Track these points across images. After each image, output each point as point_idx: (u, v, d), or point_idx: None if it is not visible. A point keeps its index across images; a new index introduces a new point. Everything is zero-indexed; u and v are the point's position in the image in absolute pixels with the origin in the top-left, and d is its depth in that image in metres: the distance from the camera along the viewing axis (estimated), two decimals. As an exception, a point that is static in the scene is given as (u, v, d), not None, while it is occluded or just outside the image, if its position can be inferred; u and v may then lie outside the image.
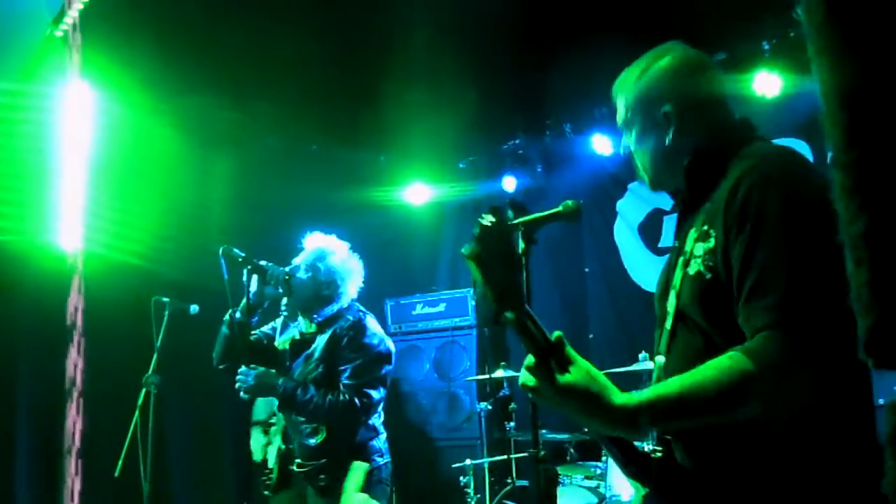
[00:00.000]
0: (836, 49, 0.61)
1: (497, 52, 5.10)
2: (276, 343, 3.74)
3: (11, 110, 4.41)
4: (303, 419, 3.49)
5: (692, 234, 1.59)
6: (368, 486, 3.30)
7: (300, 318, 3.67)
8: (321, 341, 3.53)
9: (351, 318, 3.54)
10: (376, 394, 3.45)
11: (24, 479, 4.88)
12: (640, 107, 1.77)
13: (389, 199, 6.73)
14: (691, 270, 1.55)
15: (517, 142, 6.51)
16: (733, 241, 1.45)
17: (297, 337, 3.65)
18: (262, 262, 3.46)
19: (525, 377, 1.44)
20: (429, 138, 6.06)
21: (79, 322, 3.87)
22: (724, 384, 1.36)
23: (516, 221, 2.44)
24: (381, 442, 3.51)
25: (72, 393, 4.25)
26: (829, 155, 0.63)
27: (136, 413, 4.11)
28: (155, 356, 4.17)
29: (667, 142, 1.70)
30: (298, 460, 3.56)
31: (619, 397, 1.40)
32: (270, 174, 5.97)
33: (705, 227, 1.55)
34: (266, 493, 4.08)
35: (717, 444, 1.47)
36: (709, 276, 1.50)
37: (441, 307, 6.33)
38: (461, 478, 5.13)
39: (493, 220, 1.38)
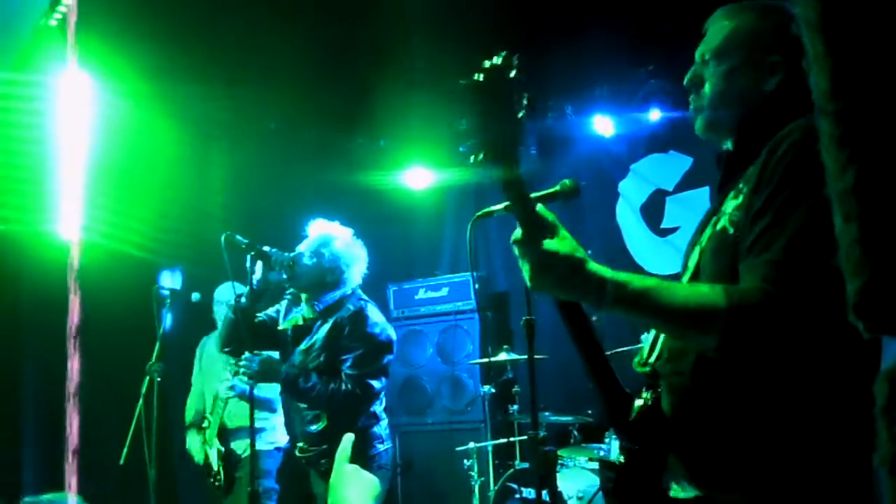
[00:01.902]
0: None
1: (496, 32, 5.05)
2: (279, 326, 3.75)
3: (8, 99, 4.40)
4: (304, 406, 3.51)
5: (731, 194, 1.56)
6: (370, 471, 3.30)
7: (303, 304, 3.68)
8: (323, 330, 3.55)
9: (352, 307, 3.54)
10: (377, 383, 3.49)
11: (31, 468, 4.92)
12: (749, 44, 1.65)
13: (390, 183, 6.70)
14: (718, 226, 1.54)
15: (518, 123, 6.47)
16: (757, 196, 1.42)
17: (301, 322, 3.66)
18: (266, 248, 3.46)
19: (517, 235, 1.45)
20: (429, 122, 6.03)
21: (76, 311, 3.88)
22: (690, 302, 1.37)
23: (508, 204, 2.42)
24: (382, 428, 3.54)
25: (70, 395, 4.27)
26: (816, 104, 0.60)
27: (140, 400, 4.14)
28: (157, 344, 4.19)
29: (765, 87, 1.60)
30: (301, 444, 3.61)
31: (594, 266, 1.43)
32: (270, 161, 5.95)
33: (741, 185, 1.52)
34: (217, 493, 4.12)
35: (704, 399, 1.47)
36: (731, 231, 1.48)
37: (444, 291, 6.33)
38: (465, 461, 5.14)
39: (501, 63, 1.31)
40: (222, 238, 3.37)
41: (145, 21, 4.39)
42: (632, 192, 6.27)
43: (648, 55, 5.50)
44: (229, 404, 4.48)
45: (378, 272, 6.62)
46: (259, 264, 3.46)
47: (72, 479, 4.47)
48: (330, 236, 3.59)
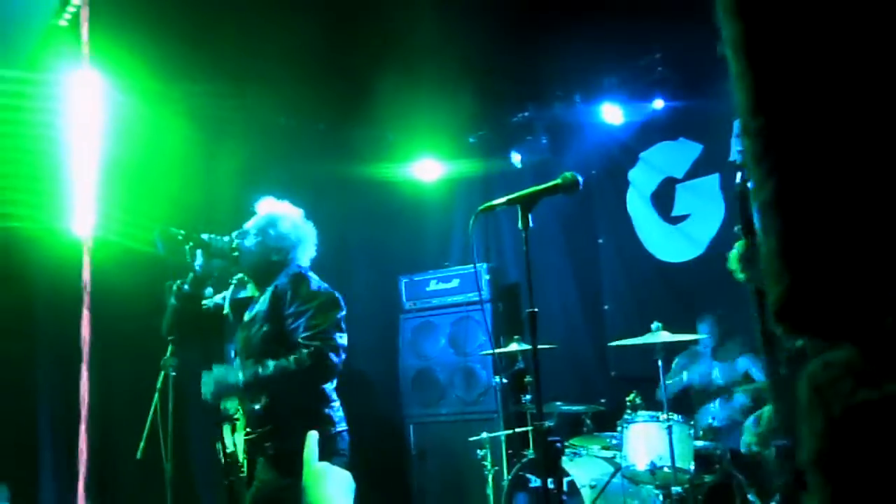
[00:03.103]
0: (737, 10, 0.60)
1: (505, 22, 5.04)
2: (224, 312, 3.62)
3: (20, 98, 4.42)
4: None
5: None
6: (325, 455, 3.15)
7: (249, 286, 3.55)
8: (263, 301, 3.36)
9: (290, 272, 3.37)
10: (339, 337, 3.25)
11: (50, 466, 4.97)
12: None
13: (400, 176, 6.71)
14: None
15: (527, 114, 6.46)
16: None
17: (238, 297, 3.54)
18: (204, 236, 3.38)
19: None
20: (438, 114, 6.02)
21: (88, 306, 3.90)
22: None
23: (515, 196, 2.43)
24: (334, 410, 3.31)
25: (84, 392, 4.32)
26: (737, 124, 0.63)
27: (156, 395, 4.16)
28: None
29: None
30: (248, 429, 3.43)
31: None
32: (279, 155, 5.96)
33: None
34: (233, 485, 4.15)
35: None
36: None
37: (455, 283, 6.34)
38: (478, 450, 5.16)
39: None
40: (156, 232, 3.29)
41: (154, 20, 4.41)
42: (642, 181, 6.25)
43: (656, 43, 5.47)
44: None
45: (389, 264, 6.69)
46: (198, 252, 3.37)
47: (84, 473, 4.51)
48: (277, 215, 3.46)
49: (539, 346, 2.52)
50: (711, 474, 4.47)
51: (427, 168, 6.79)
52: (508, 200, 2.56)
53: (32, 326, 5.02)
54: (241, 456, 4.46)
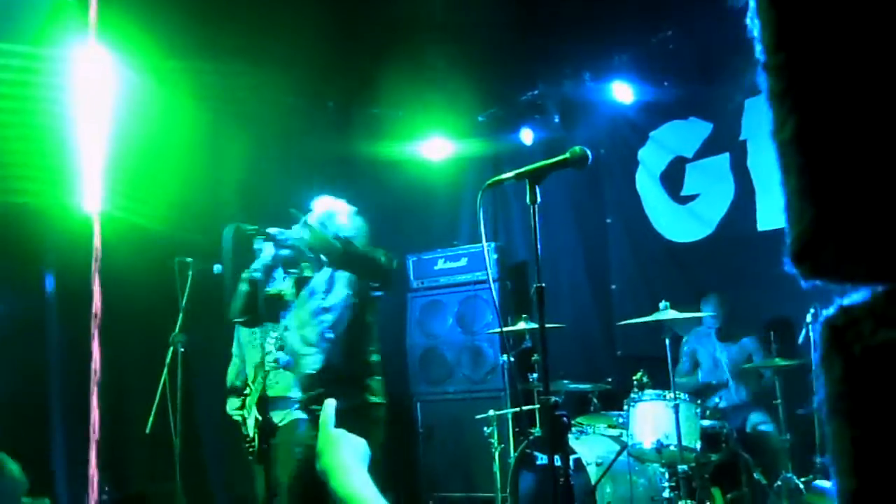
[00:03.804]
0: None
1: (515, 1, 5.00)
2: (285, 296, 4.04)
3: (29, 73, 4.42)
4: (307, 351, 3.74)
5: None
6: (364, 422, 3.44)
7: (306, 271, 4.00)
8: (322, 282, 3.84)
9: None
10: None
11: (62, 443, 5.03)
12: None
13: (408, 154, 6.69)
14: None
15: (536, 92, 6.42)
16: None
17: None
18: (272, 230, 3.66)
19: None
20: (447, 92, 5.99)
21: (98, 281, 3.94)
22: None
23: (523, 170, 2.41)
24: (377, 382, 3.70)
25: (95, 367, 4.36)
26: (761, 59, 0.61)
27: (165, 371, 4.20)
28: (181, 315, 4.25)
29: None
30: (300, 394, 3.84)
31: None
32: (287, 133, 5.96)
33: None
34: (250, 458, 4.26)
35: None
36: None
37: (463, 262, 6.34)
38: (485, 428, 5.19)
39: None
40: (231, 232, 3.56)
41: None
42: (651, 160, 6.22)
43: (668, 20, 5.42)
44: (271, 375, 4.57)
45: (397, 243, 6.69)
46: (268, 245, 3.70)
47: (95, 447, 4.56)
48: (334, 211, 3.85)
49: (547, 326, 2.52)
50: (717, 453, 4.49)
51: (436, 147, 6.77)
52: (517, 175, 2.55)
53: (42, 300, 5.06)
54: (251, 430, 4.53)
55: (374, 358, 3.74)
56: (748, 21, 0.61)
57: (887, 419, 0.52)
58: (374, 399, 3.62)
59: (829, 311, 0.57)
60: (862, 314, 0.54)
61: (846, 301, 0.55)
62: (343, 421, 1.37)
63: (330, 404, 1.38)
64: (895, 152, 0.53)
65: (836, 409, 0.54)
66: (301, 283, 3.92)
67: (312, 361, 3.67)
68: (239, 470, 4.66)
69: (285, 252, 3.72)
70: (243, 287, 3.87)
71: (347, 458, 1.26)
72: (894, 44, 0.53)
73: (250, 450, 4.53)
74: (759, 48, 0.60)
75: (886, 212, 0.53)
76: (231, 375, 4.91)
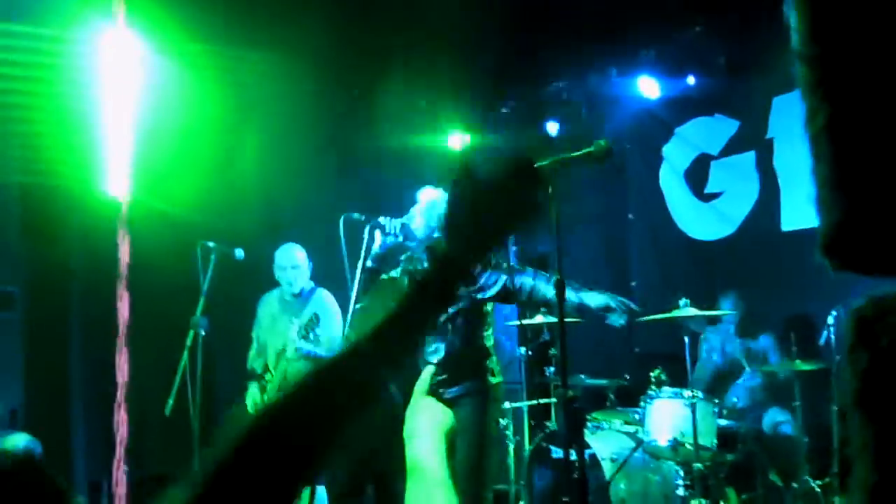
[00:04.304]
0: None
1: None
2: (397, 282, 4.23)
3: (57, 57, 4.47)
4: (428, 339, 3.88)
5: None
6: (486, 401, 3.76)
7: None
8: None
9: None
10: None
11: (81, 421, 5.11)
12: None
13: (432, 145, 6.68)
14: None
15: (560, 85, 6.39)
16: None
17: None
18: (381, 219, 3.87)
19: None
20: (470, 83, 5.98)
21: (125, 267, 3.99)
22: None
23: (545, 163, 2.40)
24: (493, 363, 3.90)
25: (121, 343, 4.42)
26: (797, 50, 0.61)
27: (185, 354, 4.25)
28: (202, 299, 4.29)
29: None
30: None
31: None
32: (307, 122, 5.96)
33: None
34: None
35: None
36: None
37: (482, 253, 6.33)
38: (501, 420, 5.19)
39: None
40: (341, 219, 3.72)
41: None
42: (676, 156, 6.18)
43: (696, 16, 5.37)
44: (291, 365, 4.61)
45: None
46: (377, 233, 3.87)
47: (122, 429, 4.62)
48: (437, 201, 4.05)
49: (565, 320, 2.52)
50: (734, 453, 4.47)
51: (459, 138, 6.76)
52: (539, 167, 2.54)
53: (68, 283, 5.13)
54: None
55: (489, 342, 3.97)
56: (784, 11, 0.61)
57: None
58: (493, 380, 3.84)
59: (859, 302, 0.56)
60: (892, 306, 0.54)
61: (877, 293, 0.55)
62: (467, 403, 1.44)
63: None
64: None
65: (859, 403, 0.54)
66: (409, 272, 4.11)
67: (435, 350, 3.87)
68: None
69: (392, 240, 3.91)
70: (362, 276, 4.05)
71: (423, 425, 1.30)
72: None
73: None
74: (794, 38, 0.60)
75: None
76: (251, 358, 4.96)
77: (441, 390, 3.77)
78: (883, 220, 0.54)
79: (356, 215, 3.81)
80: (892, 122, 0.54)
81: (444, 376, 3.78)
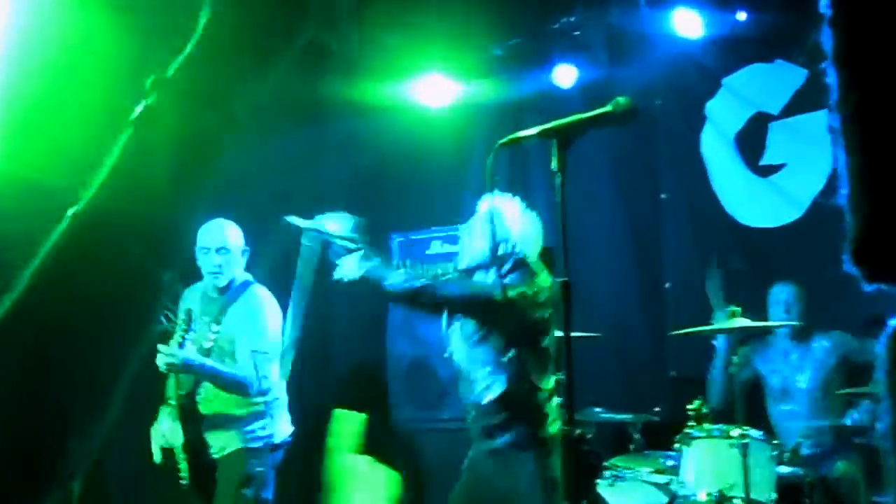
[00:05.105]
0: None
1: None
2: None
3: None
4: (480, 372, 4.17)
5: None
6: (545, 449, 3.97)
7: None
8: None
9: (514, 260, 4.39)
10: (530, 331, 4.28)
11: None
12: None
13: (398, 99, 6.67)
14: None
15: (573, 19, 6.40)
16: None
17: None
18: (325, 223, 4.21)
19: None
20: (453, 16, 5.96)
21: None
22: None
23: (549, 126, 2.40)
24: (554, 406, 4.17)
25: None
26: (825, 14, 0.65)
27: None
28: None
29: None
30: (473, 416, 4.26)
31: None
32: (239, 67, 5.93)
33: None
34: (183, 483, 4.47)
35: None
36: None
37: (465, 245, 6.34)
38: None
39: None
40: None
41: None
42: (723, 116, 6.22)
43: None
44: (202, 385, 4.59)
45: (380, 217, 6.68)
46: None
47: None
48: (497, 211, 4.36)
49: (575, 334, 2.52)
50: (798, 511, 4.51)
51: (435, 88, 6.75)
52: (541, 132, 2.55)
53: None
54: (180, 455, 4.56)
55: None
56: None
57: None
58: (552, 429, 4.05)
59: None
60: None
61: None
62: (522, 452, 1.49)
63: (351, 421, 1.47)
64: None
65: None
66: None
67: (489, 386, 4.09)
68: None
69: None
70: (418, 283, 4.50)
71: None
72: None
73: (180, 475, 4.57)
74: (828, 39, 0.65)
75: None
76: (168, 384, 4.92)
77: (488, 439, 4.07)
78: None
79: (299, 221, 4.08)
80: None
81: (495, 420, 4.05)
